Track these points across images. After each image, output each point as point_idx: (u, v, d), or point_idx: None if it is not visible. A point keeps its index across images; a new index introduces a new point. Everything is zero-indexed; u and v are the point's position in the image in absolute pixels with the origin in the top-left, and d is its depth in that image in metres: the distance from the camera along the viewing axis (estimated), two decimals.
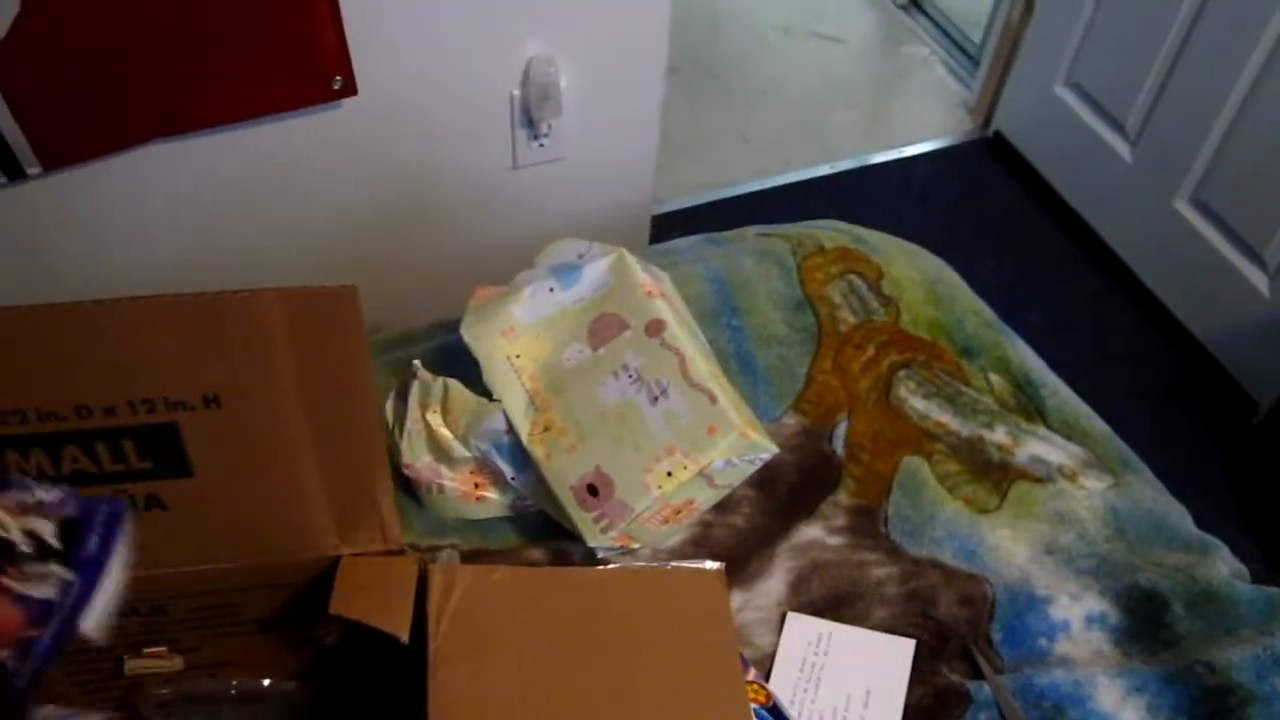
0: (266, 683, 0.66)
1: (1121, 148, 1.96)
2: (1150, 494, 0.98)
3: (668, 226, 1.66)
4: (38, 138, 1.09)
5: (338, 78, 1.19)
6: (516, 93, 1.32)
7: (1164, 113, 1.85)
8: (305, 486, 0.54)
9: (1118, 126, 1.97)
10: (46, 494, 0.51)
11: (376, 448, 0.54)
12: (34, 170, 1.11)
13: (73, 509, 0.51)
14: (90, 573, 0.51)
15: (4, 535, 0.50)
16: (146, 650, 0.64)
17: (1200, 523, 0.98)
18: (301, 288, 0.47)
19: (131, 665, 0.64)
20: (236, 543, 0.55)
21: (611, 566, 0.72)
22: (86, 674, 0.64)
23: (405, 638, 0.52)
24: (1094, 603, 0.89)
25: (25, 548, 0.50)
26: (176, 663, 0.64)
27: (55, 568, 0.50)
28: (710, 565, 0.59)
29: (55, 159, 1.12)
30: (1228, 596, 0.88)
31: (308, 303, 0.47)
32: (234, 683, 0.65)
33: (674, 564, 0.61)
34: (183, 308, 0.47)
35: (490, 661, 0.54)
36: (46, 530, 0.50)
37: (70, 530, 0.51)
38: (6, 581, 0.50)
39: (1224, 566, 0.91)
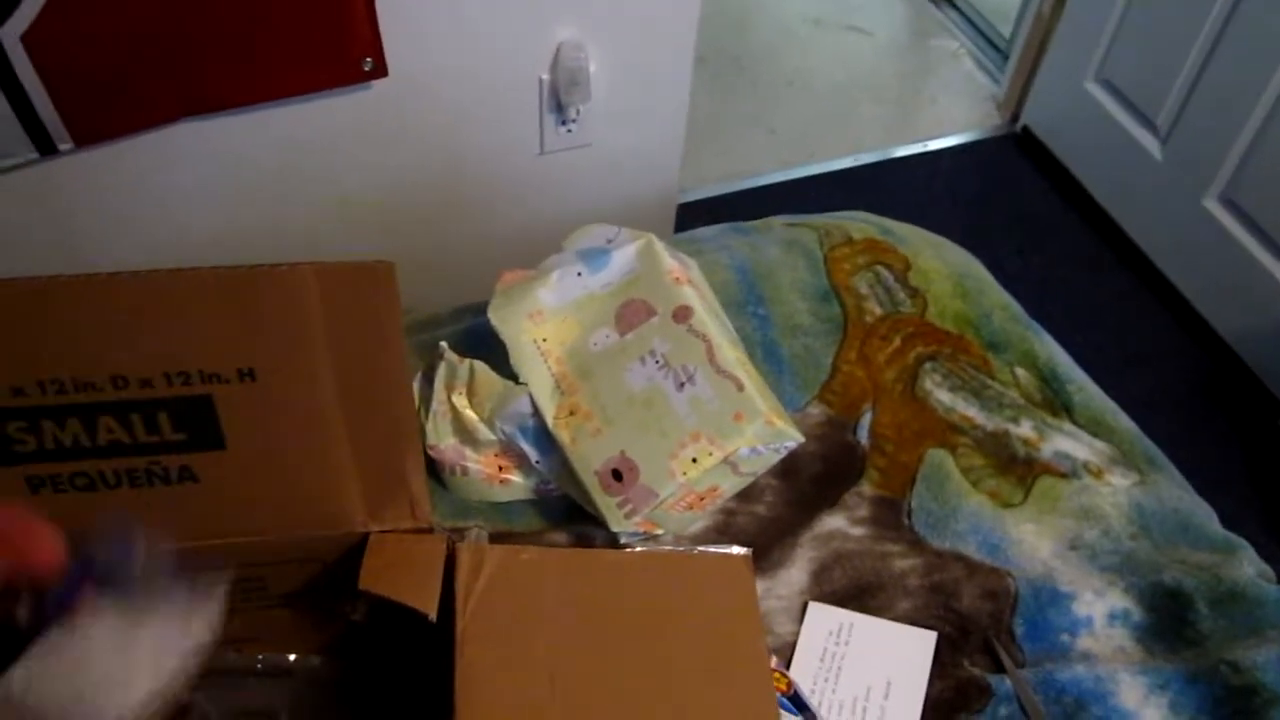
0: (292, 657, 0.66)
1: (1151, 145, 1.95)
2: (1176, 492, 0.97)
3: (692, 216, 1.67)
4: (70, 114, 1.09)
5: (368, 59, 1.19)
6: (545, 77, 1.32)
7: (1195, 110, 1.84)
8: (337, 462, 0.54)
9: (1148, 123, 1.95)
10: None
11: (408, 425, 0.54)
12: (66, 146, 1.12)
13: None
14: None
15: None
16: None
17: (1224, 522, 0.97)
18: (338, 263, 0.47)
19: None
20: (267, 516, 0.56)
21: (638, 550, 0.72)
22: None
23: (433, 615, 0.53)
24: (1117, 599, 0.88)
25: None
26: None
27: None
28: (737, 550, 0.59)
29: (87, 135, 1.13)
30: (1253, 597, 0.87)
31: (344, 278, 0.47)
32: (260, 657, 0.66)
33: (700, 549, 0.61)
34: (220, 281, 0.47)
35: (517, 641, 0.54)
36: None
37: None
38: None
39: (1249, 567, 0.91)
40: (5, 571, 0.45)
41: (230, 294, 0.48)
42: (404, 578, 0.54)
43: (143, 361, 0.49)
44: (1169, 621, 0.87)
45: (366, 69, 1.20)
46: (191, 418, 0.51)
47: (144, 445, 0.52)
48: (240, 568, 0.60)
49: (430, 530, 0.57)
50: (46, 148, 1.11)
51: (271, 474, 0.54)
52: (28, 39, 1.00)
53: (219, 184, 1.27)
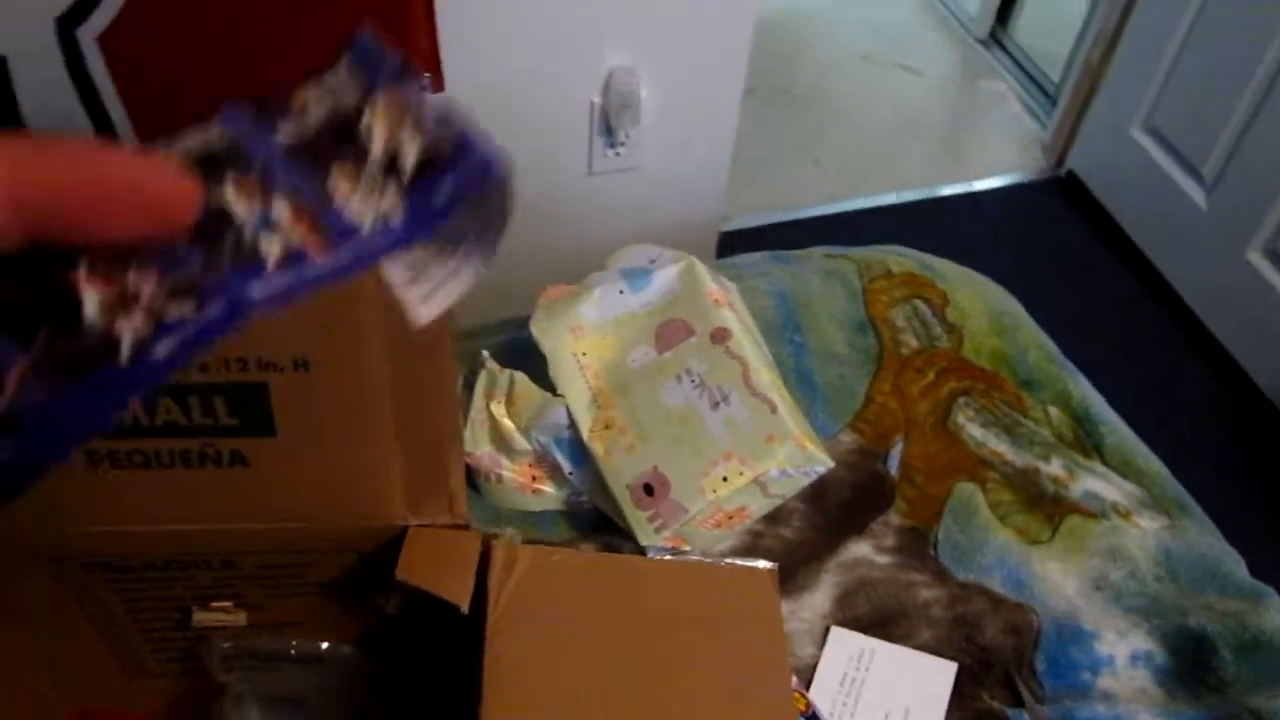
0: (325, 645, 0.68)
1: (1197, 194, 1.95)
2: (1205, 538, 0.97)
3: (734, 244, 1.68)
4: (138, 115, 1.13)
5: (426, 76, 1.22)
6: (597, 100, 1.35)
7: (1242, 162, 1.84)
8: (381, 455, 0.56)
9: (1194, 173, 1.95)
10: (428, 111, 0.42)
11: (452, 424, 0.56)
12: (132, 147, 1.16)
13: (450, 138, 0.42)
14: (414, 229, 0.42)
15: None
16: (213, 604, 0.66)
17: (1253, 571, 0.97)
18: None
19: (200, 617, 0.66)
20: (311, 504, 0.57)
21: (667, 558, 0.73)
22: (155, 620, 0.67)
23: (466, 608, 0.54)
24: (1141, 641, 0.88)
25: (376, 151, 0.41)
26: (241, 618, 0.67)
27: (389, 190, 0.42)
28: (763, 564, 0.60)
29: (153, 138, 1.17)
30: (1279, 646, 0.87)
31: None
32: (294, 643, 0.68)
33: (728, 560, 0.62)
34: None
35: (545, 638, 0.55)
36: (410, 148, 0.42)
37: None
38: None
39: (1277, 616, 0.90)
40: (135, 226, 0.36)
41: None
42: (439, 571, 0.55)
43: None
44: (1192, 666, 0.87)
45: (423, 85, 1.23)
46: (246, 404, 0.53)
47: (199, 428, 0.54)
48: (281, 553, 0.62)
49: (467, 527, 0.59)
50: None
51: (318, 463, 0.56)
52: (103, 40, 1.04)
53: None
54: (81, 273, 0.38)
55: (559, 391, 0.91)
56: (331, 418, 0.54)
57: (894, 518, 0.95)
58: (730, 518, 0.87)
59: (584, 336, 0.94)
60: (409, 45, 1.20)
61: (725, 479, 0.84)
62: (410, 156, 0.44)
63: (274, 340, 0.51)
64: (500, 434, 0.91)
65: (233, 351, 0.52)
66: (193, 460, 0.55)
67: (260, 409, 0.54)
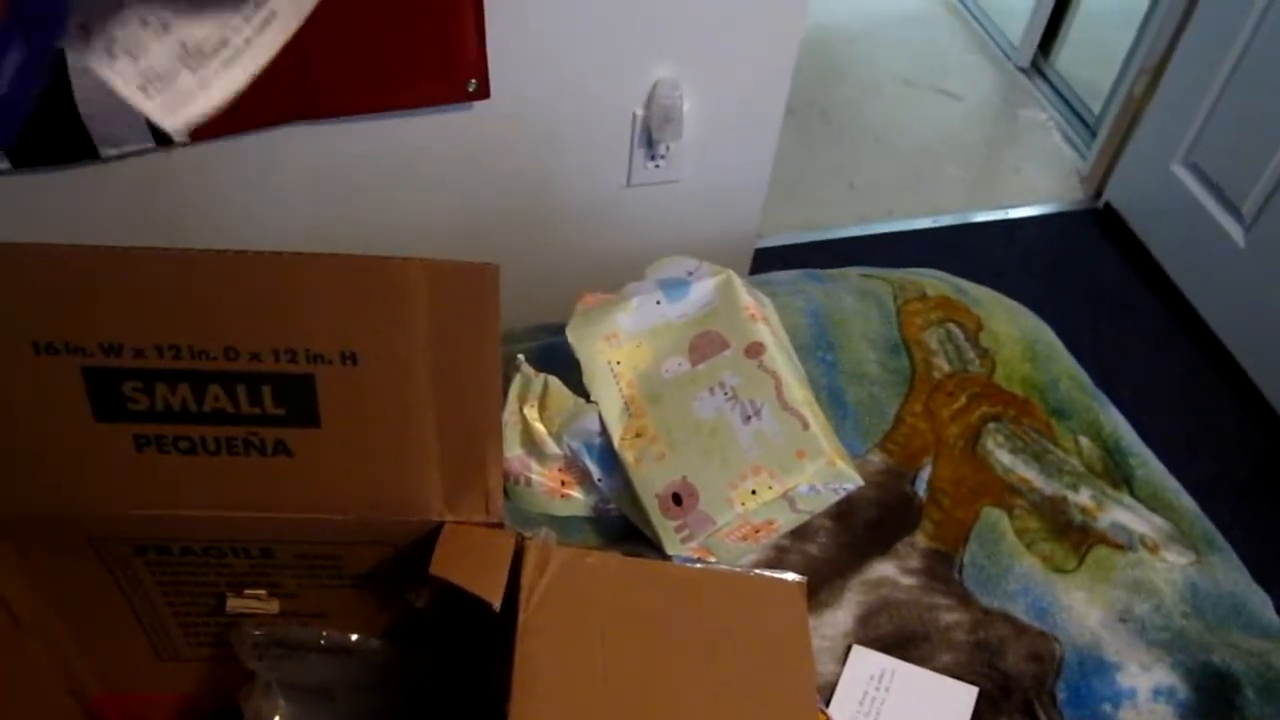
0: (354, 638, 0.69)
1: (1235, 231, 1.94)
2: (1232, 576, 0.97)
3: (767, 261, 1.68)
4: None
5: (473, 81, 1.24)
6: (640, 112, 1.36)
7: None
8: (422, 451, 0.57)
9: (1233, 210, 1.94)
10: None
11: (493, 422, 0.57)
12: (182, 139, 1.18)
13: None
14: None
15: None
16: (247, 591, 0.67)
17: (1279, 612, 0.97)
18: (446, 261, 0.50)
19: (233, 603, 0.67)
20: (352, 497, 0.58)
21: (698, 566, 0.74)
22: (189, 605, 0.68)
23: (498, 605, 0.55)
24: (1164, 675, 0.88)
25: None
26: (273, 606, 0.68)
27: None
28: (792, 577, 0.60)
29: (202, 130, 1.19)
30: None
31: (451, 275, 0.50)
32: (324, 633, 0.69)
33: (757, 571, 0.63)
34: (335, 267, 0.51)
35: (575, 638, 0.56)
36: None
37: None
38: None
39: None
40: None
41: (343, 281, 0.51)
42: (472, 567, 0.56)
43: (255, 336, 0.53)
44: (1215, 704, 0.87)
45: (471, 90, 1.25)
46: (293, 394, 0.55)
47: (245, 416, 0.56)
48: (318, 544, 0.63)
49: (501, 525, 0.60)
50: (163, 139, 1.17)
51: (360, 456, 0.57)
52: None
53: (318, 188, 1.32)
54: None
55: (592, 398, 0.92)
56: (375, 411, 0.56)
57: (920, 539, 0.95)
58: (757, 531, 0.87)
59: (619, 345, 0.95)
60: (458, 53, 1.21)
61: (754, 492, 0.84)
62: None
63: (323, 333, 0.53)
64: (532, 438, 0.92)
65: (282, 342, 0.53)
66: (238, 448, 0.57)
67: (306, 400, 0.55)
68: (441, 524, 0.59)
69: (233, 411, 0.55)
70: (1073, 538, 0.97)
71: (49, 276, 0.51)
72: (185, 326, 0.53)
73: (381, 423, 0.56)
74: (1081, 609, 0.92)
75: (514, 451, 0.93)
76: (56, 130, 1.12)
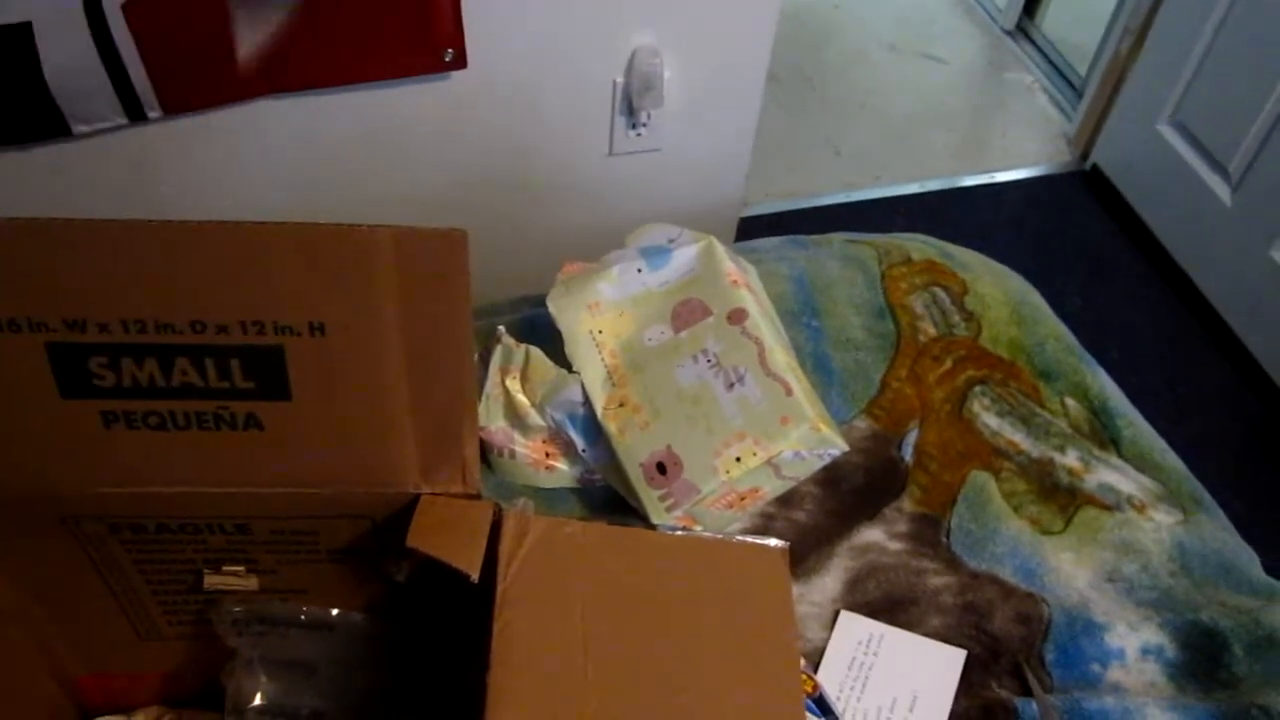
0: (335, 612, 0.68)
1: (1222, 190, 1.93)
2: (1220, 534, 0.97)
3: (754, 230, 1.68)
4: (161, 83, 1.13)
5: (449, 50, 1.23)
6: (620, 80, 1.35)
7: (1269, 159, 1.82)
8: (396, 422, 0.56)
9: (1220, 169, 1.93)
10: None
11: (468, 392, 0.56)
12: (154, 114, 1.16)
13: None
14: None
15: None
16: (225, 568, 0.67)
17: (1268, 571, 0.96)
18: (413, 227, 0.49)
19: (211, 580, 0.67)
20: (326, 469, 0.58)
21: (679, 534, 0.73)
22: (168, 583, 0.67)
23: (475, 577, 0.54)
24: (1152, 634, 0.88)
25: None
26: (252, 583, 0.67)
27: None
28: (774, 543, 0.60)
29: (176, 104, 1.17)
30: None
31: (419, 242, 0.49)
32: (304, 609, 0.68)
33: (739, 537, 0.62)
34: (301, 237, 0.50)
35: (554, 608, 0.55)
36: None
37: None
38: None
39: None
40: None
41: (310, 250, 0.50)
42: (450, 539, 0.56)
43: (222, 309, 0.52)
44: (1203, 661, 0.87)
45: (447, 60, 1.23)
46: (262, 367, 0.54)
47: (215, 390, 0.55)
48: (294, 519, 0.62)
49: (479, 496, 0.59)
50: (137, 114, 1.15)
51: (333, 428, 0.56)
52: (127, 8, 1.04)
53: (296, 161, 1.30)
54: None
55: (574, 368, 0.91)
56: (346, 382, 0.55)
57: (907, 504, 0.95)
58: (742, 498, 0.87)
59: (601, 314, 0.94)
60: (434, 23, 1.20)
61: (738, 459, 0.84)
62: None
63: (291, 304, 0.52)
64: (515, 410, 0.91)
65: (250, 314, 0.52)
66: (208, 422, 0.56)
67: (276, 372, 0.54)
68: (418, 496, 0.59)
69: (202, 385, 0.54)
70: (1060, 499, 0.97)
71: (8, 250, 0.50)
72: (150, 300, 0.52)
73: (353, 393, 0.55)
74: (1069, 570, 0.92)
75: (497, 423, 0.93)
76: (27, 107, 1.10)
